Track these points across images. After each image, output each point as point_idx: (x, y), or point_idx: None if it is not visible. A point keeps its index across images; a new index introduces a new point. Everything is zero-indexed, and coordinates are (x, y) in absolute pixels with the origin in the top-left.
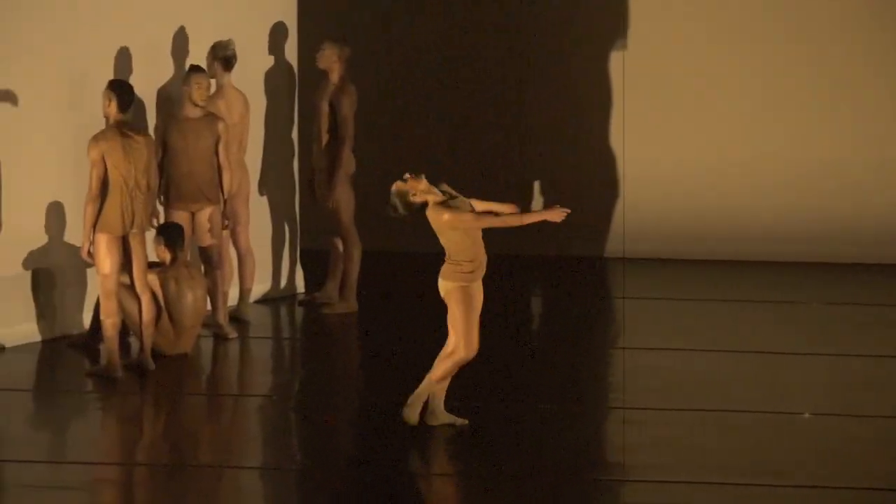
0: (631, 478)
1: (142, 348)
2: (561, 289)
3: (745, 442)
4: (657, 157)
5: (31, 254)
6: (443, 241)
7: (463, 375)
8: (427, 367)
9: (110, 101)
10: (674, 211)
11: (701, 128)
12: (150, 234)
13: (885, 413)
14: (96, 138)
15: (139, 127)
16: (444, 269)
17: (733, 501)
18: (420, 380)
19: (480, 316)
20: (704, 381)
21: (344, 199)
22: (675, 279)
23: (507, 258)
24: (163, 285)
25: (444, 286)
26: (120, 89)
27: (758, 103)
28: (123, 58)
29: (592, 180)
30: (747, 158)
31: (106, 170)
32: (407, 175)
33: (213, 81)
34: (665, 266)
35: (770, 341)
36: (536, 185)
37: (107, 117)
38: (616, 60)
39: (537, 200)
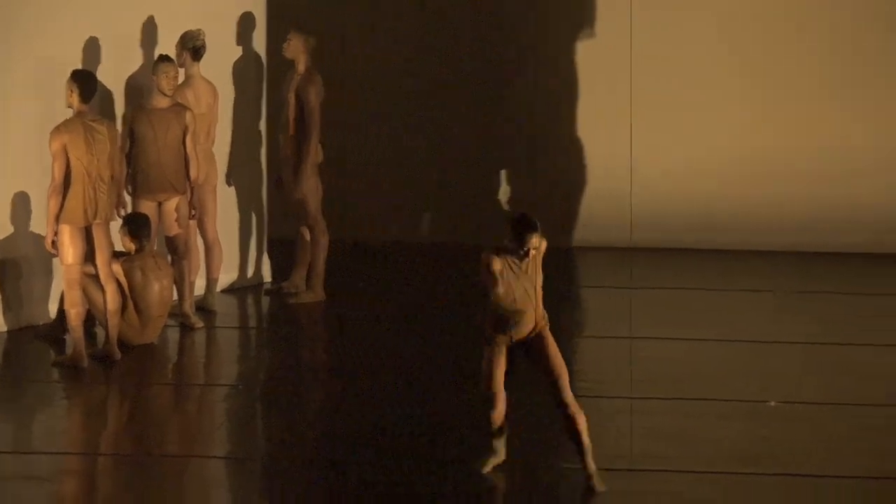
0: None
1: (107, 338)
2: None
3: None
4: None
5: None
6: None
7: (439, 370)
8: (393, 359)
9: (73, 91)
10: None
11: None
12: (117, 225)
13: (871, 401)
14: (58, 129)
15: (102, 117)
16: None
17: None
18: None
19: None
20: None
21: (311, 188)
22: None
23: None
24: (129, 275)
25: None
26: (82, 79)
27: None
28: (92, 47)
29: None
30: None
31: (68, 161)
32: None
33: (181, 71)
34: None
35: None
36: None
37: (70, 107)
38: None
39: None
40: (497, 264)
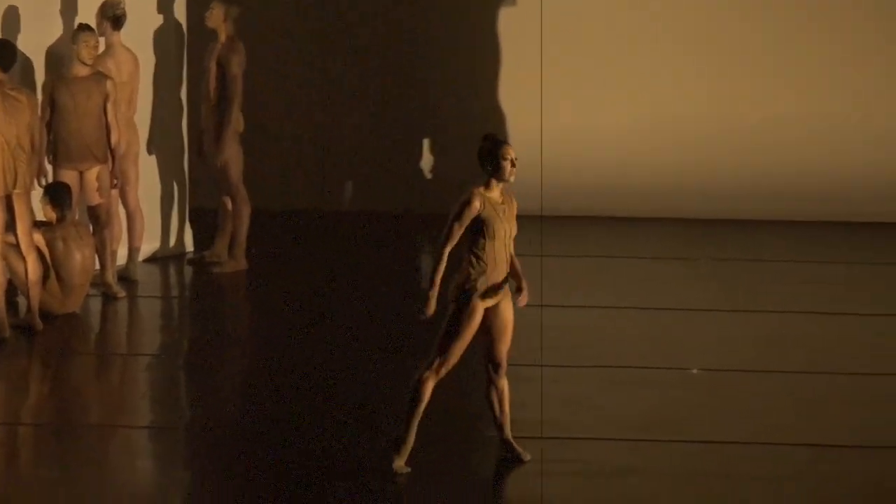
0: (522, 434)
1: (29, 308)
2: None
3: (647, 398)
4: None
5: None
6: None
7: (361, 339)
8: (316, 327)
9: None
10: (579, 168)
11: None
12: (38, 194)
13: (786, 368)
14: None
15: (22, 86)
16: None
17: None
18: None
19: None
20: (610, 337)
21: (233, 157)
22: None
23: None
24: (50, 245)
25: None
26: (1, 49)
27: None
28: (12, 16)
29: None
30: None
31: None
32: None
33: (102, 40)
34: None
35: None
36: (432, 140)
37: None
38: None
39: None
40: (477, 201)
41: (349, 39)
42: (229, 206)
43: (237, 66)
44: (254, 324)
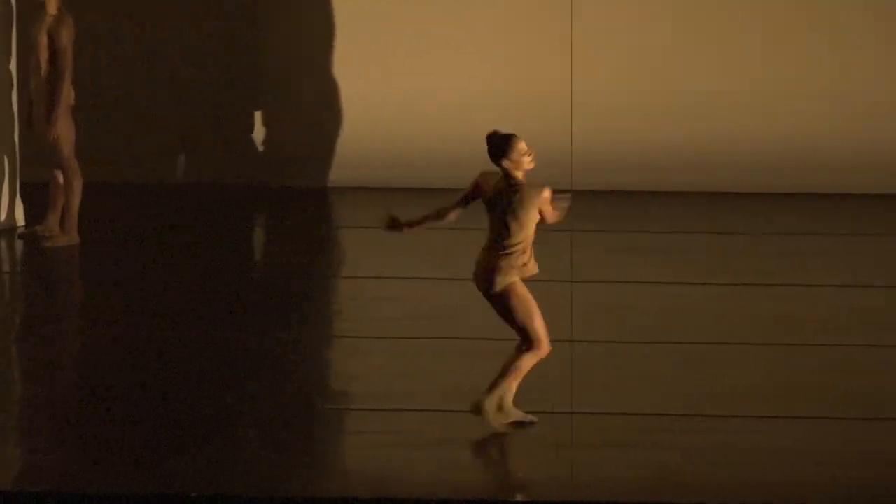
0: (357, 406)
1: None
2: (287, 220)
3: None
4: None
5: None
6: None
7: (195, 310)
8: (149, 300)
9: None
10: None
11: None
12: None
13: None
14: None
15: None
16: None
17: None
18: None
19: None
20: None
21: (64, 131)
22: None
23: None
24: None
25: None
26: None
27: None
28: None
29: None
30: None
31: None
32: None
33: None
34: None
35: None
36: (265, 113)
37: None
38: None
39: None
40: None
41: (182, 7)
42: (61, 179)
43: (67, 38)
44: (87, 298)
